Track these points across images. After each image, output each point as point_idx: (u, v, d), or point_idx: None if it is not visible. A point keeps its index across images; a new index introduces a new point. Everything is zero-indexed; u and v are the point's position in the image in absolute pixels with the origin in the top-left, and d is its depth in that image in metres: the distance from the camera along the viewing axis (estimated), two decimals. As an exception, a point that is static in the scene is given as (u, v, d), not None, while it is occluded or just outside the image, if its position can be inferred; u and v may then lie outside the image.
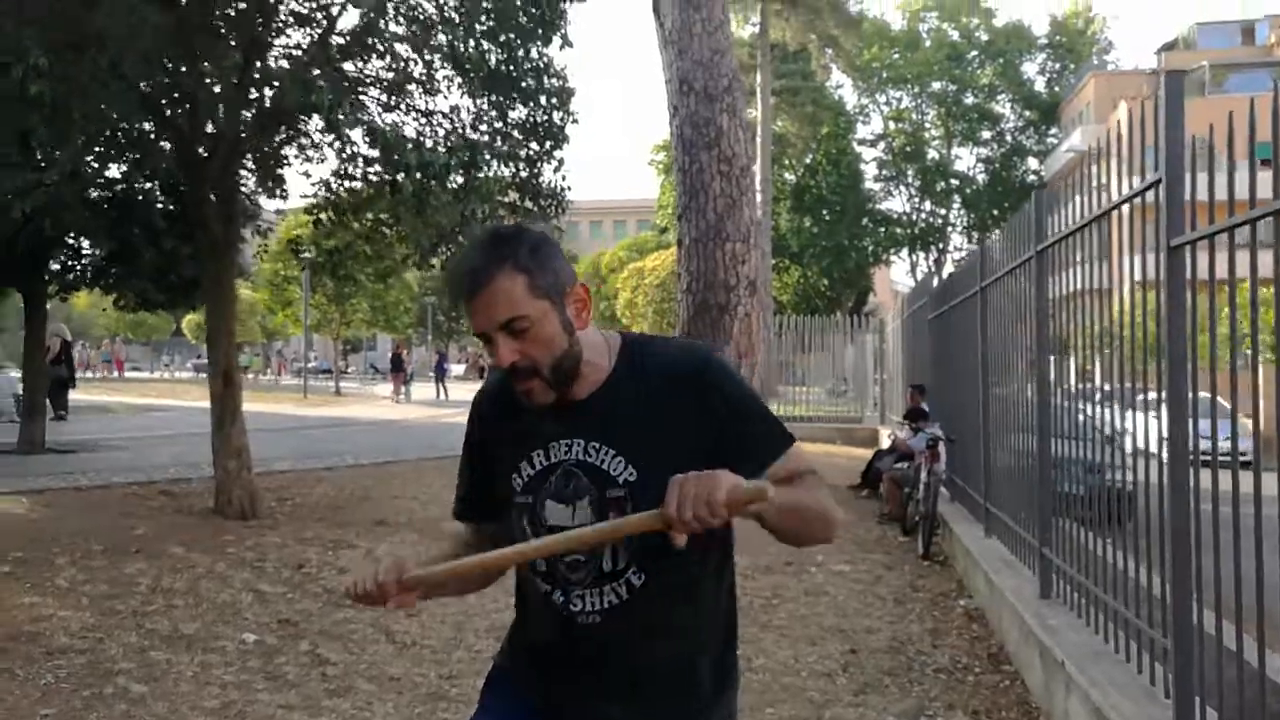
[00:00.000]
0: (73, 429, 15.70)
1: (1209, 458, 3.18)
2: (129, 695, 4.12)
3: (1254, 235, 2.82)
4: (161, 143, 9.33)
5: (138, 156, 9.71)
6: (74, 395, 18.49)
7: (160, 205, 11.88)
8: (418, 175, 6.61)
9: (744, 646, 5.14)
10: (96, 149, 9.36)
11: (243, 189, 9.30)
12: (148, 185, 11.86)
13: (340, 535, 7.39)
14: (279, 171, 10.05)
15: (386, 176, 7.24)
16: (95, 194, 11.21)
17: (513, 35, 7.53)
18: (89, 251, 12.77)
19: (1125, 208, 3.85)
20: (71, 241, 12.77)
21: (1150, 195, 3.52)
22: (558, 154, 8.24)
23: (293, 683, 4.36)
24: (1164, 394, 3.34)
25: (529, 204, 8.66)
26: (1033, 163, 46.23)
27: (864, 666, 4.98)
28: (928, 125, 46.86)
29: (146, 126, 8.87)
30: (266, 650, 4.78)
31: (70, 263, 13.16)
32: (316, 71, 7.03)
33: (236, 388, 8.01)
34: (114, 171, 11.41)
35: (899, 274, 55.83)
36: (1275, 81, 2.70)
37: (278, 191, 10.31)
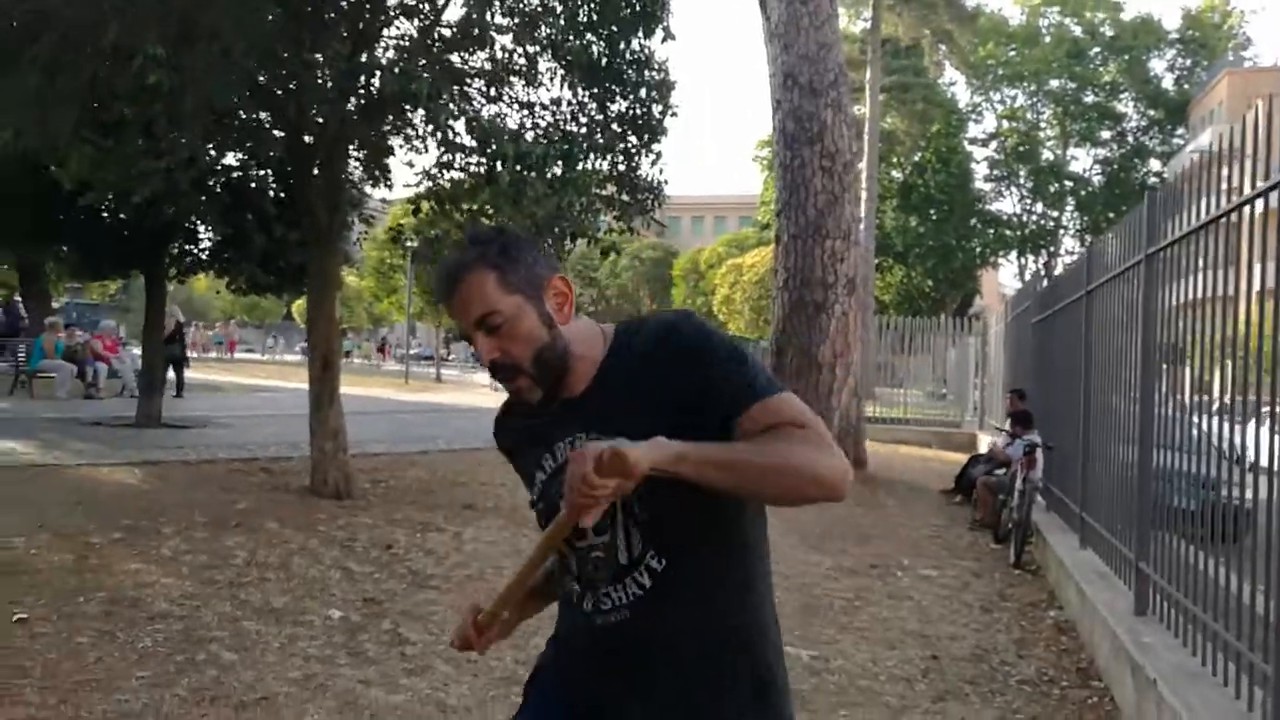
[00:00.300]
0: (186, 406, 16.40)
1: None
2: (220, 662, 4.28)
3: None
4: (274, 131, 9.68)
5: (251, 145, 10.09)
6: (188, 374, 19.30)
7: (271, 193, 12.34)
8: (515, 166, 6.67)
9: (821, 648, 5.08)
10: (214, 138, 9.76)
11: (349, 178, 9.58)
12: (260, 173, 12.33)
13: (429, 518, 7.55)
14: (385, 161, 10.32)
15: (484, 167, 7.33)
16: (211, 181, 11.70)
17: (614, 27, 7.55)
18: (205, 236, 13.32)
19: (1250, 208, 3.64)
20: (189, 226, 13.33)
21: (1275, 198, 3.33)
22: (656, 147, 8.24)
23: (373, 659, 4.47)
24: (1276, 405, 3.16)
25: (625, 197, 8.68)
26: (1155, 164, 44.36)
27: (945, 673, 4.85)
28: (1043, 124, 45.39)
29: (262, 115, 9.21)
30: (350, 627, 4.91)
31: (188, 247, 13.75)
32: (422, 62, 7.18)
33: (335, 371, 8.24)
34: (230, 159, 11.91)
35: (1007, 277, 54.29)
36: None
37: (383, 181, 10.59)
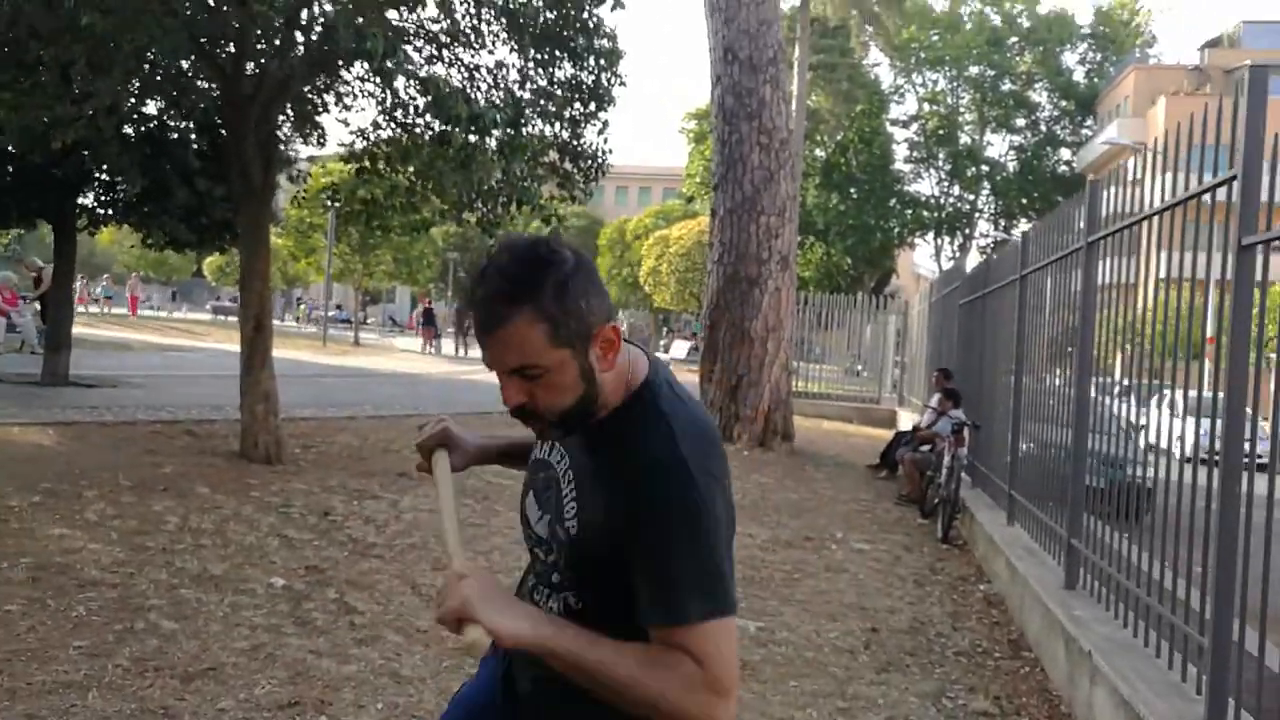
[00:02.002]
0: (95, 363, 15.78)
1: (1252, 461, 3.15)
2: (160, 631, 4.15)
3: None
4: (199, 81, 9.30)
5: (175, 94, 9.68)
6: (94, 331, 18.57)
7: (195, 145, 11.89)
8: (470, 128, 6.54)
9: (766, 619, 5.17)
10: (135, 84, 9.33)
11: (281, 134, 9.28)
12: (182, 124, 11.86)
13: (365, 485, 7.42)
14: (316, 118, 10.02)
15: (435, 128, 7.17)
16: (130, 130, 11.20)
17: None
18: (122, 187, 12.76)
19: (1194, 202, 3.78)
20: (103, 177, 12.77)
21: (1220, 193, 3.46)
22: (602, 115, 8.16)
23: (321, 629, 4.39)
24: (1218, 393, 3.31)
25: (569, 165, 8.60)
26: (1066, 153, 45.64)
27: (885, 645, 4.98)
28: (962, 109, 46.30)
29: (184, 65, 8.83)
30: (294, 595, 4.81)
31: (103, 197, 13.17)
32: (359, 20, 6.96)
33: (267, 333, 8.03)
34: (150, 108, 11.42)
35: (922, 257, 55.55)
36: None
37: (315, 138, 10.29)
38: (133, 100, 10.20)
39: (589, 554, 1.39)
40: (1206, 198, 3.65)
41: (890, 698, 4.29)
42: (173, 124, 11.89)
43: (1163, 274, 4.29)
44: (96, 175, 12.57)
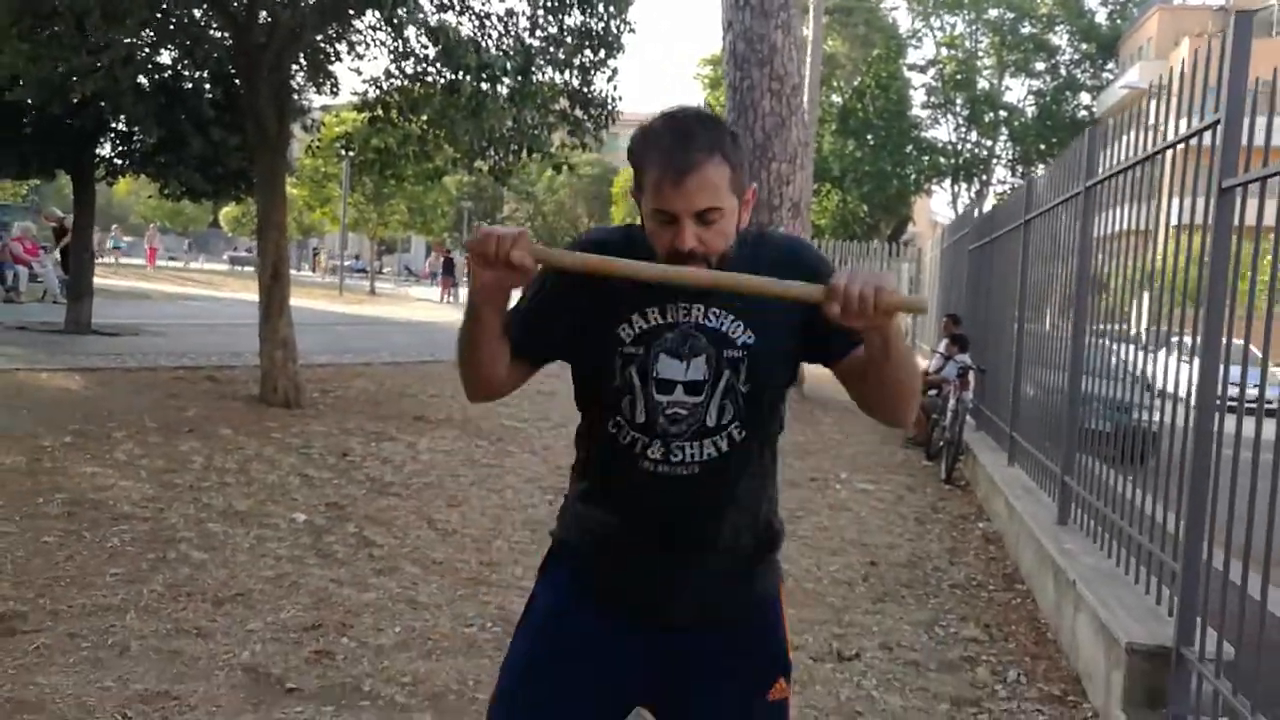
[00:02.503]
0: (114, 312, 16.03)
1: (1236, 403, 3.28)
2: (191, 561, 4.39)
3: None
4: (212, 30, 9.38)
5: (188, 43, 9.77)
6: (114, 281, 18.83)
7: (209, 95, 11.99)
8: (481, 76, 6.63)
9: (768, 554, 5.37)
10: (149, 34, 9.42)
11: (295, 83, 9.37)
12: (197, 74, 11.95)
13: (381, 428, 7.65)
14: (329, 67, 10.11)
15: (445, 77, 7.27)
16: (145, 80, 11.31)
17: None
18: (139, 138, 12.90)
19: (1180, 147, 3.87)
20: (120, 127, 12.90)
21: (1206, 138, 3.55)
22: (612, 63, 8.23)
23: (342, 560, 4.62)
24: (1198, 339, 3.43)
25: (579, 113, 8.67)
26: (1085, 98, 45.02)
27: (883, 578, 5.18)
28: (981, 53, 45.66)
29: (196, 14, 8.91)
30: (315, 529, 5.04)
31: (121, 147, 13.32)
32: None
33: (285, 281, 8.21)
34: (165, 58, 11.51)
35: (939, 204, 55.15)
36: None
37: (328, 87, 10.38)
38: (147, 50, 10.31)
39: (773, 351, 1.60)
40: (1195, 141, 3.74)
41: (884, 625, 4.49)
42: (187, 74, 11.99)
43: (1158, 220, 4.39)
44: (113, 126, 12.70)
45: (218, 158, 12.56)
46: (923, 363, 12.24)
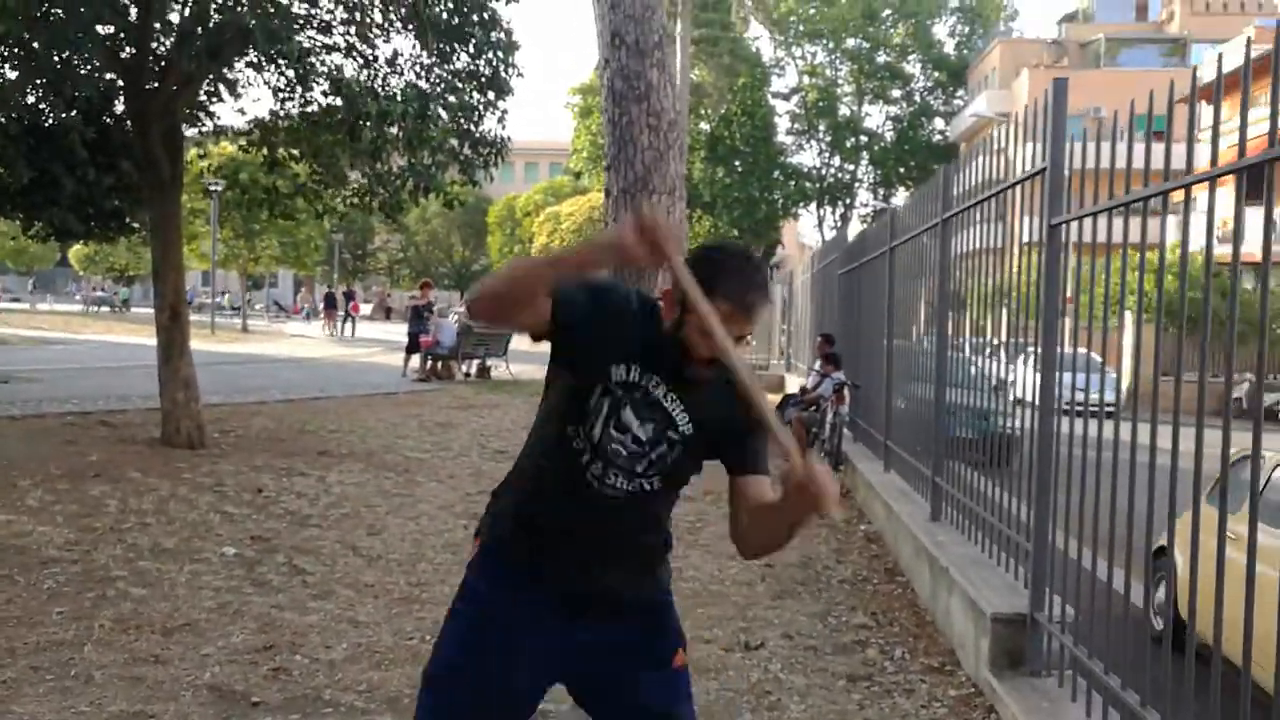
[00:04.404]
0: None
1: (1078, 407, 3.90)
2: (131, 596, 4.56)
3: (1126, 215, 3.46)
4: (81, 70, 9.31)
5: (56, 83, 9.65)
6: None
7: (81, 135, 11.80)
8: (382, 122, 6.93)
9: (675, 561, 5.81)
10: (13, 76, 9.30)
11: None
12: (67, 114, 11.76)
13: (290, 464, 7.80)
14: (210, 109, 10.19)
15: (344, 121, 7.52)
16: (5, 120, 11.07)
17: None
18: (9, 180, 12.56)
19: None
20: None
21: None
22: (501, 104, 8.62)
23: (278, 588, 4.86)
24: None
25: (469, 151, 9.02)
26: (940, 123, 47.54)
27: (779, 578, 5.70)
28: (840, 81, 47.70)
29: (66, 55, 8.85)
30: (247, 561, 5.24)
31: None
32: (268, 6, 7.19)
33: (184, 322, 8.28)
34: (31, 98, 11.28)
35: (806, 227, 57.09)
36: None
37: (211, 127, 10.43)
38: (16, 93, 10.13)
39: (698, 444, 2.00)
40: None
41: (784, 618, 4.99)
42: (56, 114, 11.78)
43: (1006, 243, 5.06)
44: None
45: (91, 198, 12.36)
46: (801, 380, 12.97)
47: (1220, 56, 3.01)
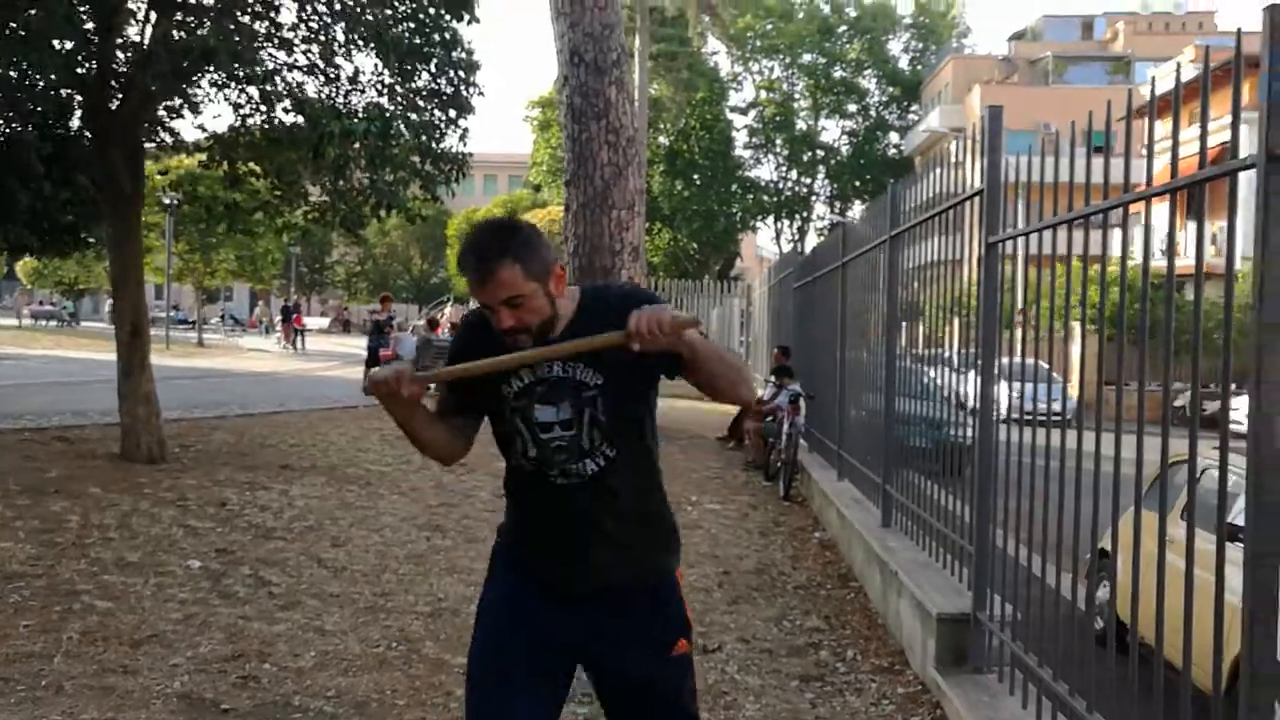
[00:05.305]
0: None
1: (1026, 416, 4.09)
2: (97, 610, 4.61)
3: (1070, 230, 3.66)
4: (37, 87, 9.30)
5: (12, 98, 9.63)
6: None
7: (37, 150, 11.73)
8: (344, 142, 7.03)
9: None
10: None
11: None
12: (21, 129, 11.69)
13: (252, 478, 7.84)
14: (169, 124, 10.20)
15: (311, 145, 7.61)
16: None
17: (429, 10, 7.97)
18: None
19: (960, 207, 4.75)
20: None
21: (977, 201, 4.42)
22: (463, 122, 8.75)
23: (244, 599, 4.93)
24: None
25: (430, 168, 9.13)
26: (894, 137, 48.30)
27: (736, 584, 5.86)
28: (797, 96, 48.33)
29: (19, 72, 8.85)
30: (212, 574, 5.31)
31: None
32: (231, 26, 7.26)
33: (144, 337, 8.30)
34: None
35: (764, 240, 57.67)
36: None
37: (170, 143, 10.44)
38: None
39: (619, 386, 2.10)
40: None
41: (740, 623, 5.15)
42: (10, 128, 11.71)
43: (942, 258, 5.28)
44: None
45: (47, 212, 12.28)
46: (759, 392, 13.19)
47: (1153, 80, 3.23)
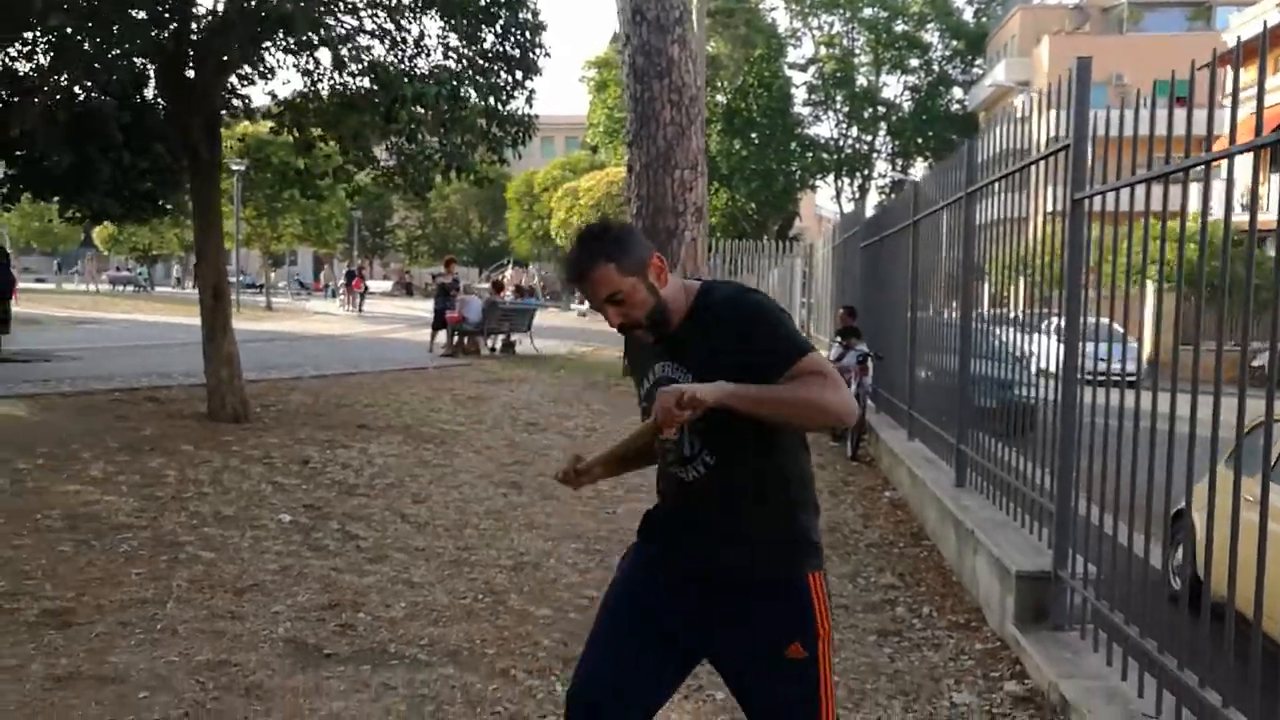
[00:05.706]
0: (15, 340, 15.82)
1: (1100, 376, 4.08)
2: (202, 560, 4.84)
3: (1148, 188, 3.63)
4: (120, 59, 9.53)
5: (96, 70, 9.89)
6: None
7: (118, 120, 12.06)
8: (413, 107, 7.13)
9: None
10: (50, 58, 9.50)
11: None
12: (103, 99, 12.02)
13: (331, 436, 8.08)
14: (241, 92, 10.41)
15: (382, 109, 7.73)
16: (50, 104, 11.33)
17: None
18: (47, 162, 12.84)
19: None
20: (23, 153, 12.81)
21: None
22: (529, 84, 8.79)
23: (334, 552, 5.13)
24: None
25: (498, 130, 9.20)
26: (958, 92, 47.26)
27: (810, 542, 5.92)
28: (857, 51, 47.44)
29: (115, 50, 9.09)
30: (303, 528, 5.52)
31: (13, 172, 13.21)
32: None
33: (226, 301, 8.56)
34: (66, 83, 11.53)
35: (824, 199, 56.93)
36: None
37: (242, 108, 10.66)
38: (54, 78, 10.37)
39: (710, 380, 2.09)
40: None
41: (816, 579, 5.21)
42: (91, 99, 12.04)
43: (1023, 214, 5.23)
44: (19, 152, 12.63)
45: (127, 181, 12.64)
46: (824, 354, 13.16)
47: (1238, 36, 3.15)
